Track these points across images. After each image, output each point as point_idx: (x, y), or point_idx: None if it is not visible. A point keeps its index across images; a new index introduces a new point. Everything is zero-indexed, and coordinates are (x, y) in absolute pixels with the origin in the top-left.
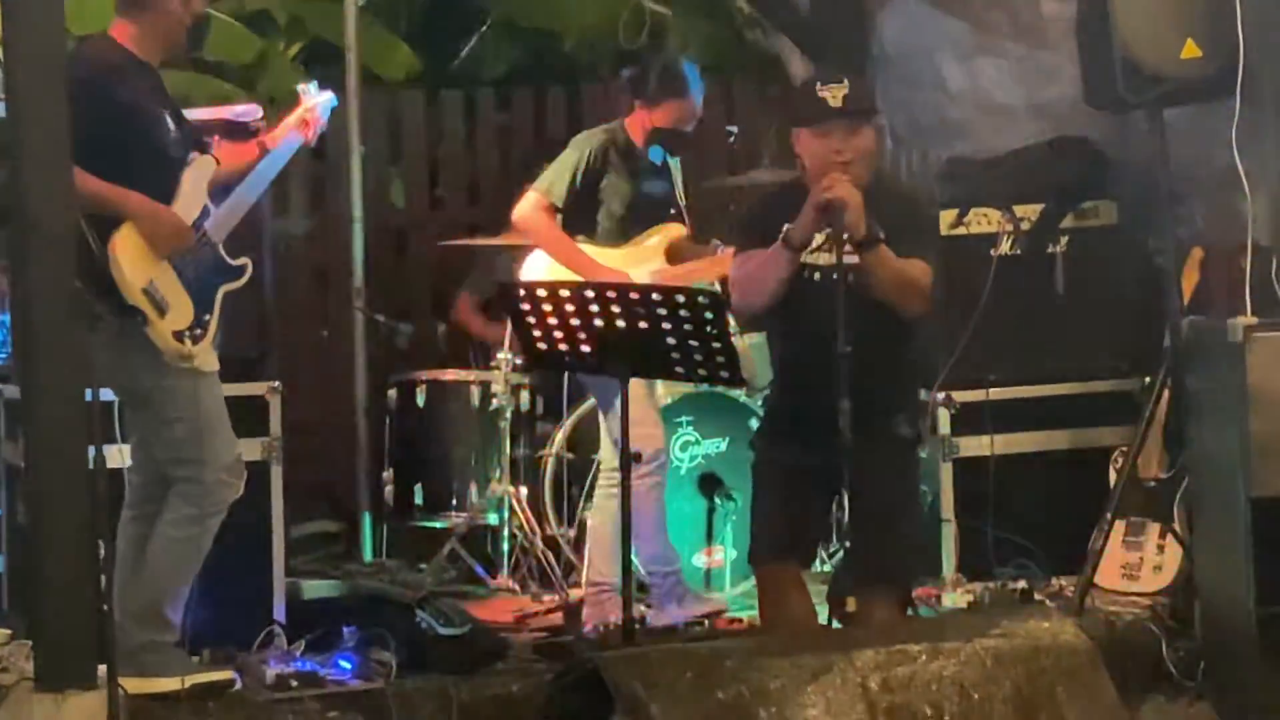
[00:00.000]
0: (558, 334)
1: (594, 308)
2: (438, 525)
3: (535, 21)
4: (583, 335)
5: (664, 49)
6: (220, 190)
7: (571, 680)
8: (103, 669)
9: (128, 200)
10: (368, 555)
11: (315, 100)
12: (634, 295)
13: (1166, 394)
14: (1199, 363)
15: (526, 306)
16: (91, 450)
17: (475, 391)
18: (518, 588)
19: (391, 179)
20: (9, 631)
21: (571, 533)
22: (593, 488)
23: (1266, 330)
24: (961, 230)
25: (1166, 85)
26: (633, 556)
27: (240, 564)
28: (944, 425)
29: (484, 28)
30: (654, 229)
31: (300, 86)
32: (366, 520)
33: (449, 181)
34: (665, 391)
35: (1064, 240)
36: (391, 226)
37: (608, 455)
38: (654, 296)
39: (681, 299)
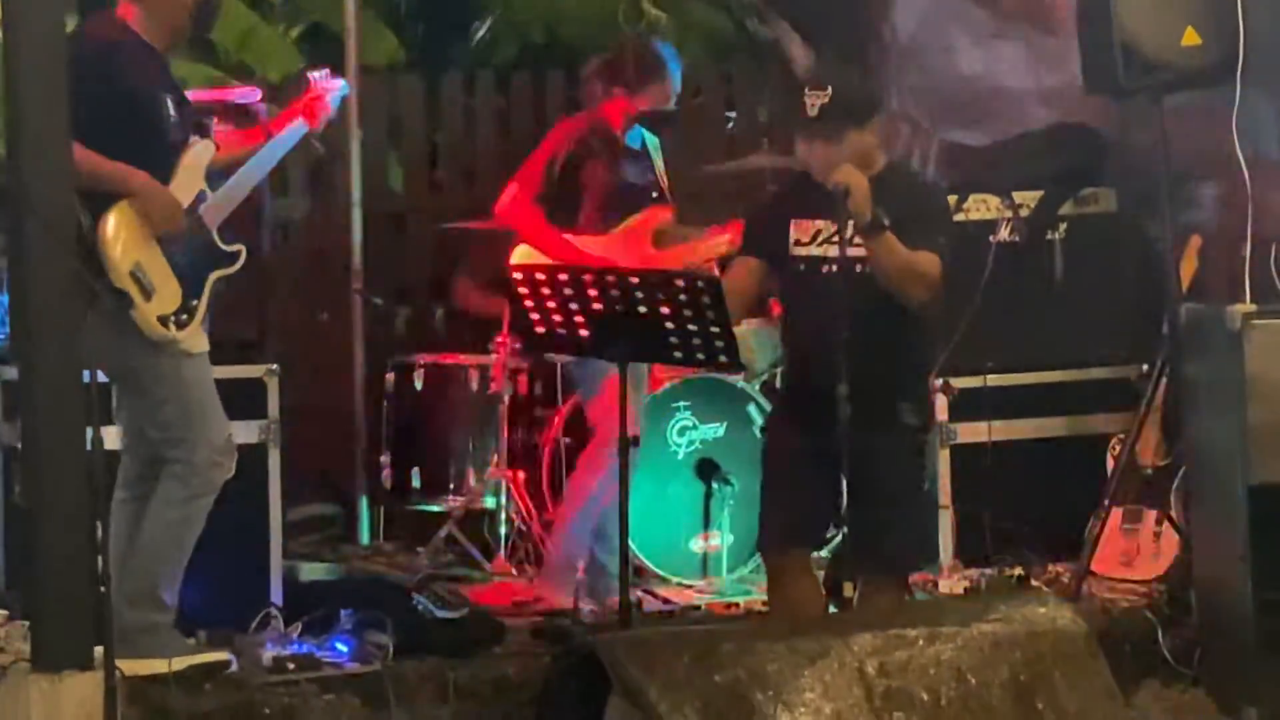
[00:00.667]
0: (556, 317)
1: (593, 291)
2: (435, 509)
3: (535, 8)
4: (581, 319)
5: (642, 34)
6: (219, 174)
7: (568, 663)
8: (99, 650)
9: (124, 175)
10: (365, 538)
11: (324, 88)
12: (633, 279)
13: (1164, 381)
14: (1197, 350)
15: (525, 290)
16: (89, 431)
17: (473, 375)
18: (515, 571)
19: (390, 163)
20: (5, 612)
21: None
22: None
23: (1265, 318)
24: (960, 216)
25: (1166, 72)
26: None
27: (237, 546)
28: (942, 411)
29: (485, 18)
30: (639, 214)
31: (311, 74)
32: (364, 503)
33: (448, 165)
34: (664, 376)
35: (1063, 227)
36: (390, 210)
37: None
38: (653, 280)
39: (680, 283)
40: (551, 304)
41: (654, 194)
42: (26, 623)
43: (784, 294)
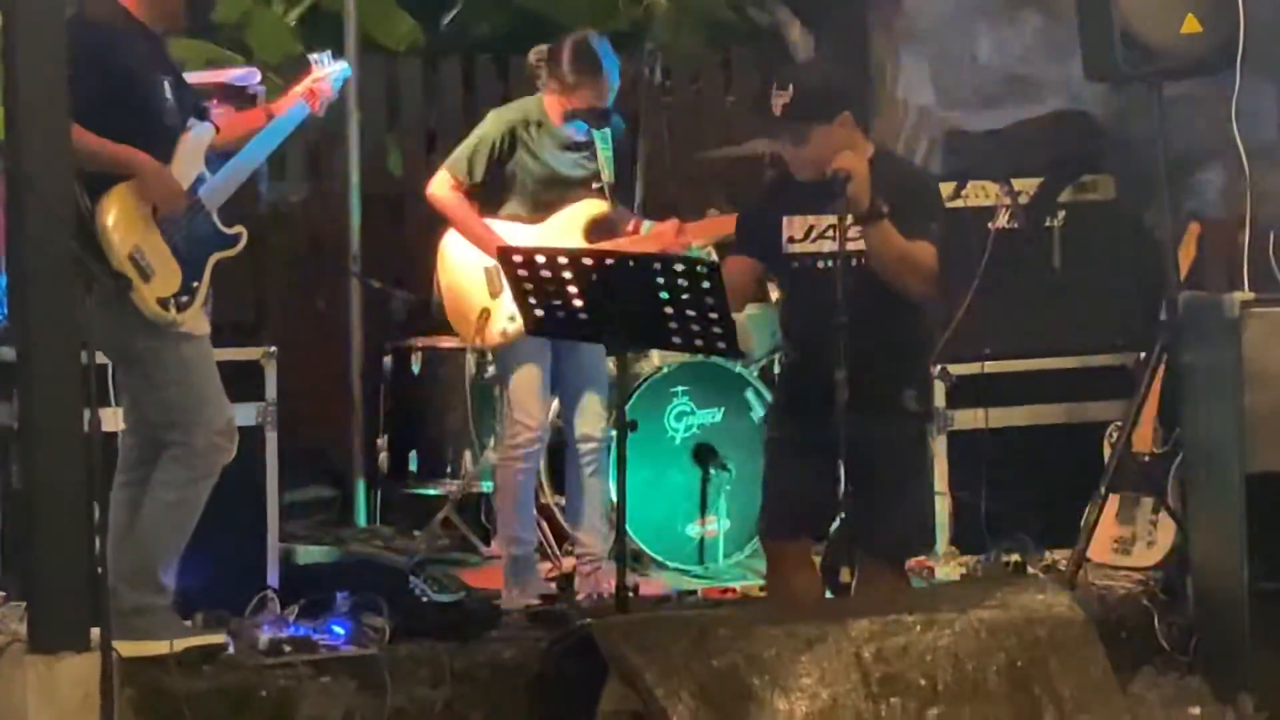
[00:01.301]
0: (555, 301)
1: (593, 276)
2: (432, 492)
3: None
4: (579, 303)
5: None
6: (219, 157)
7: (565, 647)
8: (96, 632)
9: (124, 156)
10: (361, 521)
11: (326, 70)
12: (632, 264)
13: (1162, 369)
14: (1195, 338)
15: (524, 273)
16: (86, 413)
17: (471, 359)
18: None
19: (389, 146)
20: (2, 593)
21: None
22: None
23: (1263, 306)
24: (959, 203)
25: (1166, 59)
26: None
27: (234, 529)
28: (939, 398)
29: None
30: (572, 205)
31: (313, 56)
32: (361, 486)
33: (446, 149)
34: (661, 360)
35: (1061, 214)
36: (389, 194)
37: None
38: (654, 266)
39: (680, 268)
40: (550, 287)
41: (594, 185)
42: (23, 604)
43: (782, 288)
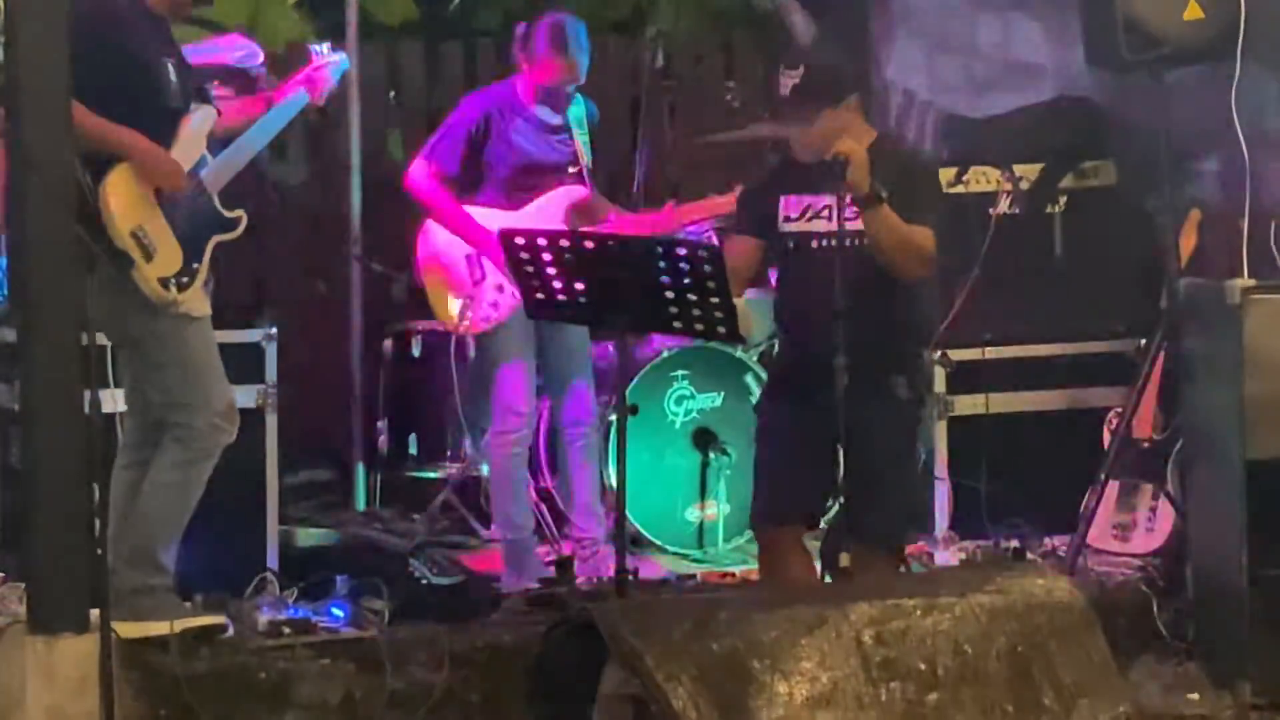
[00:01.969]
0: (556, 284)
1: (594, 259)
2: (432, 475)
3: None
4: (581, 286)
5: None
6: (220, 143)
7: (565, 631)
8: (95, 613)
9: (125, 137)
10: (361, 504)
11: (325, 61)
12: (633, 247)
13: (1162, 355)
14: (1195, 324)
15: (526, 256)
16: (87, 394)
17: (471, 342)
18: None
19: (389, 129)
20: (2, 574)
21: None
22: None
23: (1263, 292)
24: (960, 189)
25: (1168, 46)
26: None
27: (234, 511)
28: (939, 384)
29: None
30: (553, 191)
31: (313, 47)
32: (360, 469)
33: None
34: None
35: (1063, 200)
36: (389, 176)
37: None
38: (656, 249)
39: (682, 252)
40: (552, 270)
41: (571, 169)
42: (22, 585)
43: (778, 270)
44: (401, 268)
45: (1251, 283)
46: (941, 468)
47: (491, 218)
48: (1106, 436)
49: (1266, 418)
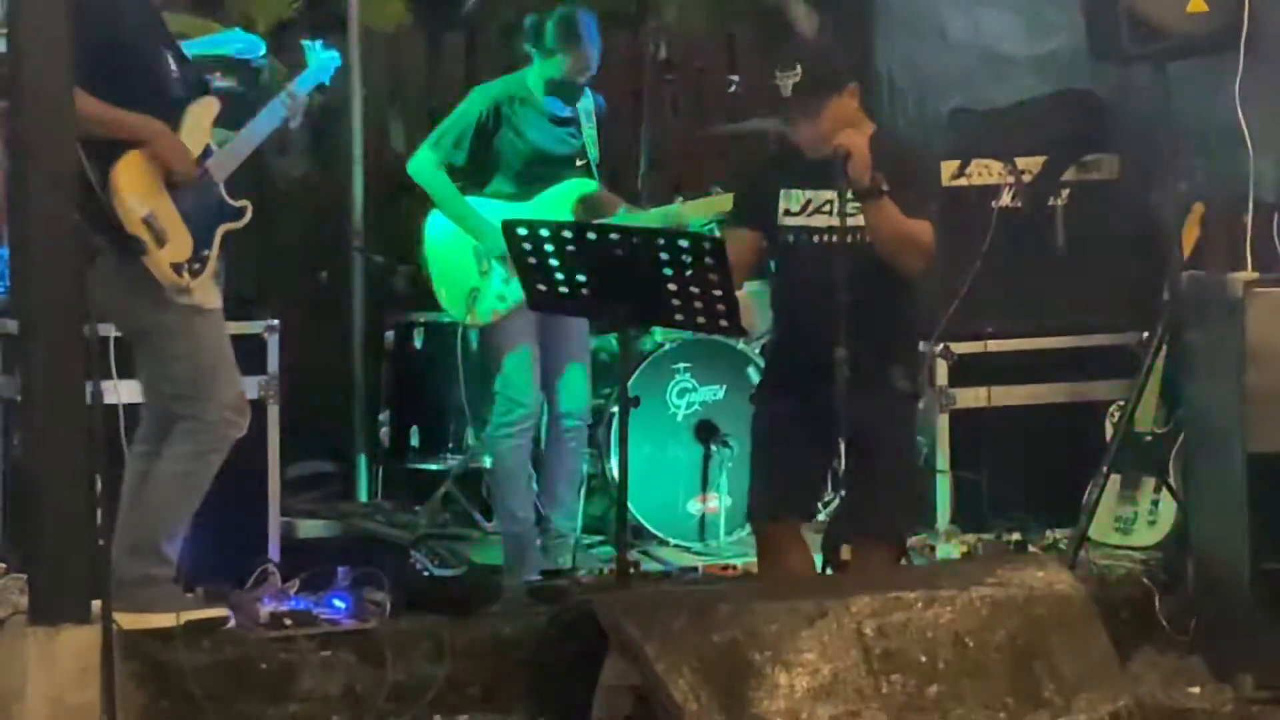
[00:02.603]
0: (558, 275)
1: (596, 250)
2: (433, 467)
3: None
4: (582, 278)
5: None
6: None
7: (566, 622)
8: (97, 604)
9: (138, 122)
10: (363, 496)
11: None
12: (636, 239)
13: (1165, 348)
14: (1198, 317)
15: (528, 246)
16: (89, 385)
17: (472, 334)
18: None
19: (391, 120)
20: (4, 565)
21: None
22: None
23: (1266, 286)
24: (963, 181)
25: (1171, 39)
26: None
27: (236, 502)
28: (941, 377)
29: None
30: (561, 184)
31: (305, 43)
32: (362, 461)
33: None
34: (663, 336)
35: (1065, 193)
36: (391, 168)
37: None
38: (659, 241)
39: (685, 243)
40: (554, 261)
41: (579, 163)
42: (24, 575)
43: (774, 263)
44: (403, 259)
45: (1254, 276)
46: (943, 460)
47: (499, 210)
48: (1108, 429)
49: (1268, 411)
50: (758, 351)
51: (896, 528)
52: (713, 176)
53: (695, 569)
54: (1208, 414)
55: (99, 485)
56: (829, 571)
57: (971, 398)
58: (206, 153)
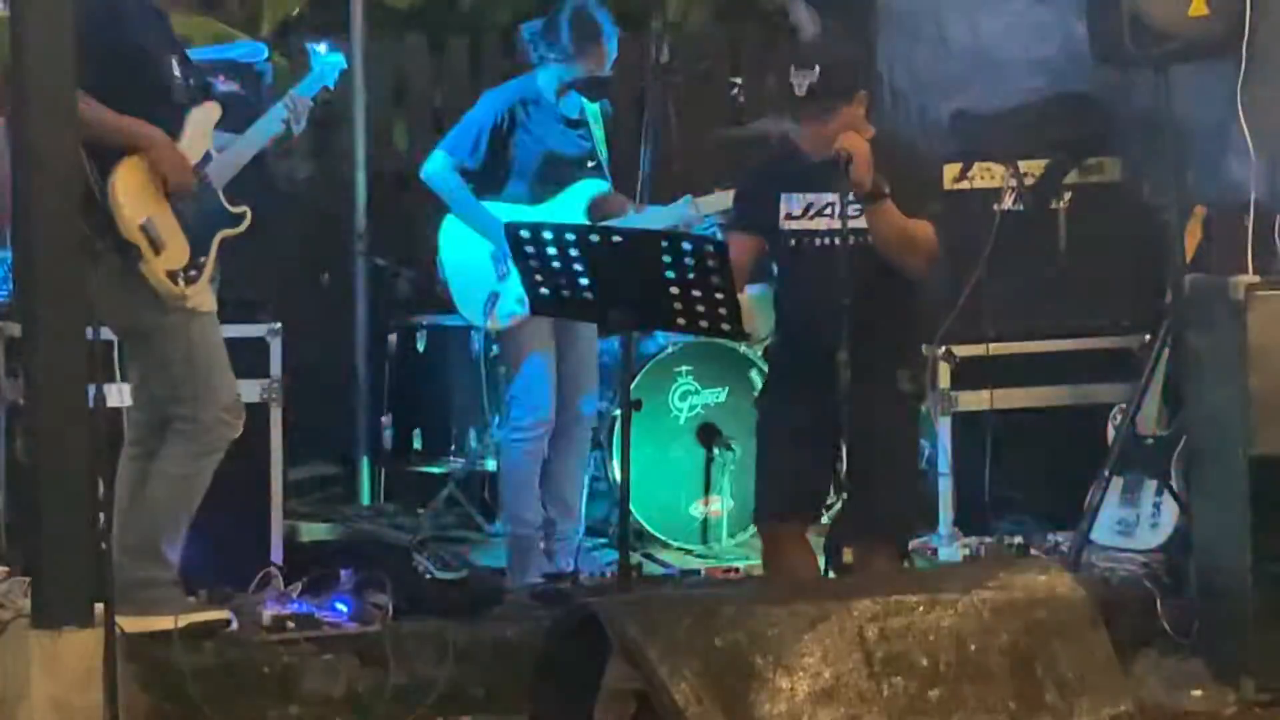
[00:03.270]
0: (561, 279)
1: (600, 253)
2: (436, 470)
3: None
4: (585, 281)
5: None
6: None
7: (568, 625)
8: (99, 607)
9: (136, 129)
10: (365, 499)
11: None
12: (638, 242)
13: (1167, 351)
14: (1200, 320)
15: (531, 249)
16: (91, 389)
17: (475, 337)
18: None
19: (395, 123)
20: (6, 568)
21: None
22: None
23: (1268, 289)
24: (965, 185)
25: (1173, 42)
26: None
27: (238, 505)
28: (943, 379)
29: None
30: (575, 185)
31: (310, 45)
32: (365, 464)
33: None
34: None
35: (1067, 196)
36: (394, 171)
37: None
38: (662, 244)
39: (688, 246)
40: (557, 264)
41: (590, 164)
42: (27, 579)
43: (777, 265)
44: (406, 262)
45: (1256, 279)
46: (945, 463)
47: (515, 213)
48: (1110, 432)
49: (1270, 414)
50: (760, 355)
51: (899, 530)
52: (715, 180)
53: (697, 572)
54: (1210, 417)
55: (101, 488)
56: (832, 574)
57: (974, 400)
58: (207, 158)
